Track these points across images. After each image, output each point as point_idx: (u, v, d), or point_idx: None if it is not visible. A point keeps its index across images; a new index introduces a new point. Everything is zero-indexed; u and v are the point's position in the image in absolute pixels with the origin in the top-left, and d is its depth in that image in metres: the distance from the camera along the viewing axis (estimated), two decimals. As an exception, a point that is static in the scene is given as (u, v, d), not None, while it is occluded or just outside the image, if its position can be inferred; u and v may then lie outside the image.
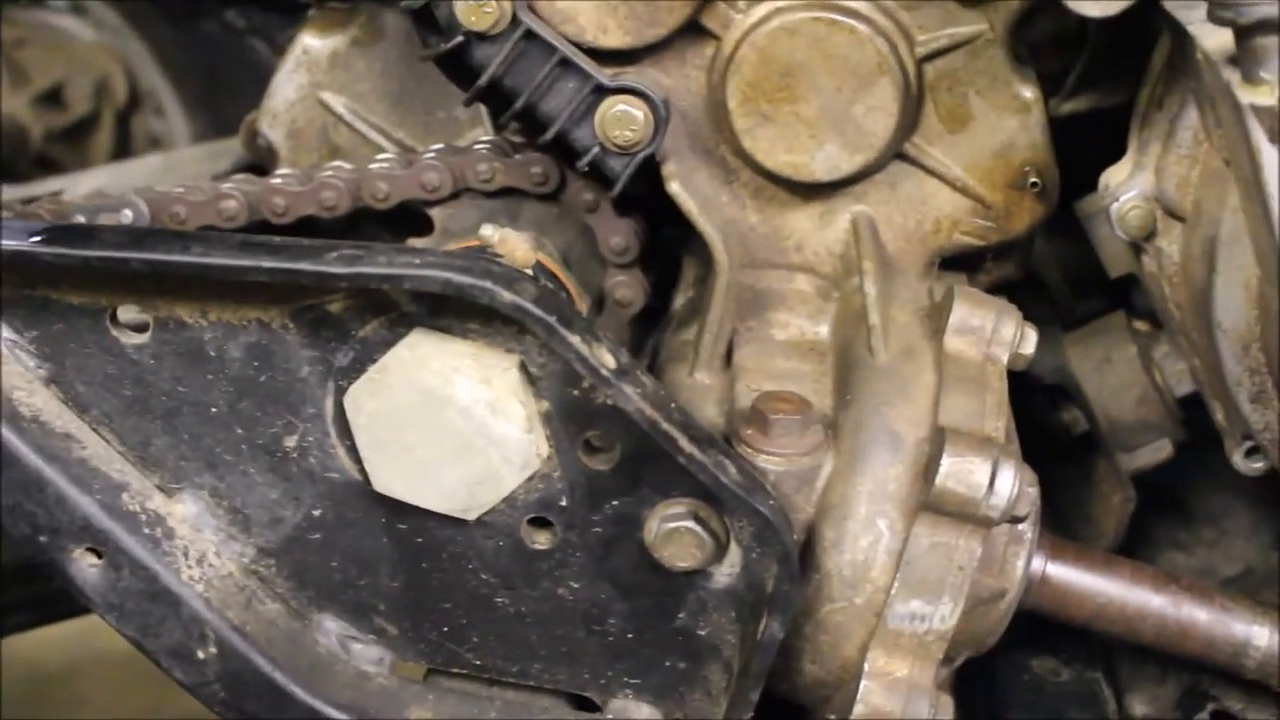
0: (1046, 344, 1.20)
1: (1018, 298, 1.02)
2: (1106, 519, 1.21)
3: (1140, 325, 1.21)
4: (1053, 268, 1.28)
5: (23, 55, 2.27)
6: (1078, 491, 1.24)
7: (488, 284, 0.80)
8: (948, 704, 0.90)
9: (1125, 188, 0.99)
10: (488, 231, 0.90)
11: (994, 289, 1.06)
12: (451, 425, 0.84)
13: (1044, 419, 1.23)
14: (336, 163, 1.07)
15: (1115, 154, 1.02)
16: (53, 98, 2.29)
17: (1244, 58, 0.78)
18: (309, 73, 1.15)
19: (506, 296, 0.79)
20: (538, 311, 0.80)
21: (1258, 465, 1.01)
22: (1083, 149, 1.06)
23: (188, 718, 1.18)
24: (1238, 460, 1.02)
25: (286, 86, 1.15)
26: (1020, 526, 0.94)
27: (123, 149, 2.30)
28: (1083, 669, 1.11)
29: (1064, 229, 1.21)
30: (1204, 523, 1.30)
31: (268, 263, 0.80)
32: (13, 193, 1.51)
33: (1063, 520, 1.24)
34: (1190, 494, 1.30)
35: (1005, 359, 0.94)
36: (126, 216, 1.05)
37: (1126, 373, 1.16)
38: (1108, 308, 1.24)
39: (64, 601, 1.12)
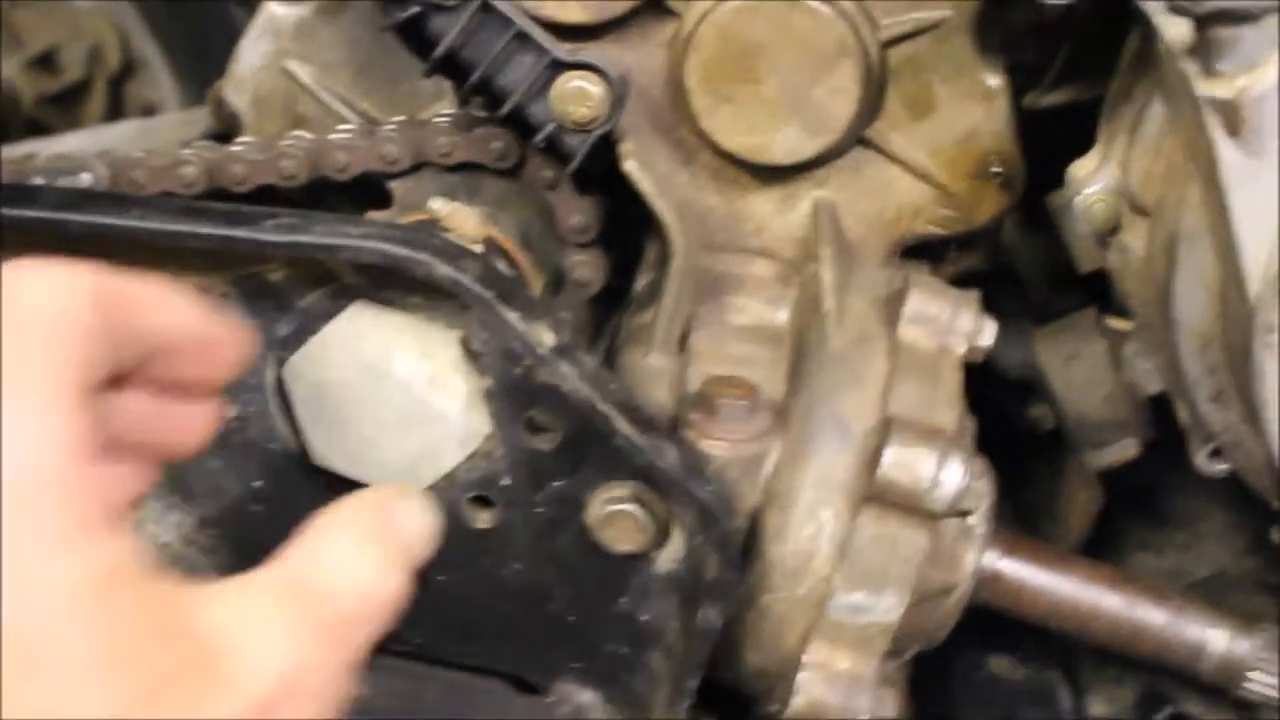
0: (1017, 338, 1.19)
1: (991, 291, 1.00)
2: (1073, 517, 1.20)
3: (1114, 322, 1.19)
4: (1028, 261, 1.27)
5: (16, 18, 2.26)
6: (1045, 488, 1.23)
7: (425, 256, 0.78)
8: (889, 698, 0.89)
9: (1090, 181, 0.97)
10: (436, 205, 0.88)
11: (963, 280, 1.04)
12: (391, 399, 0.83)
13: (1012, 414, 1.22)
14: (297, 132, 1.06)
15: (1094, 148, 1.01)
16: (45, 62, 2.27)
17: (1202, 49, 0.76)
18: (274, 40, 1.13)
19: (443, 270, 0.78)
20: (475, 286, 0.79)
21: (1220, 467, 0.99)
22: (1064, 142, 1.04)
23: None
24: (1201, 461, 1.00)
25: (251, 53, 1.14)
26: (971, 521, 0.93)
27: (115, 115, 2.28)
28: (1040, 667, 1.10)
29: (1041, 222, 1.19)
30: (1177, 525, 1.29)
31: (204, 229, 0.79)
32: (-12, 155, 1.50)
33: (1030, 517, 1.22)
34: (1164, 495, 1.29)
35: (961, 350, 0.92)
36: (86, 179, 1.04)
37: (1094, 369, 1.15)
38: (1084, 303, 1.23)
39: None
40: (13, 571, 0.55)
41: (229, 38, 1.43)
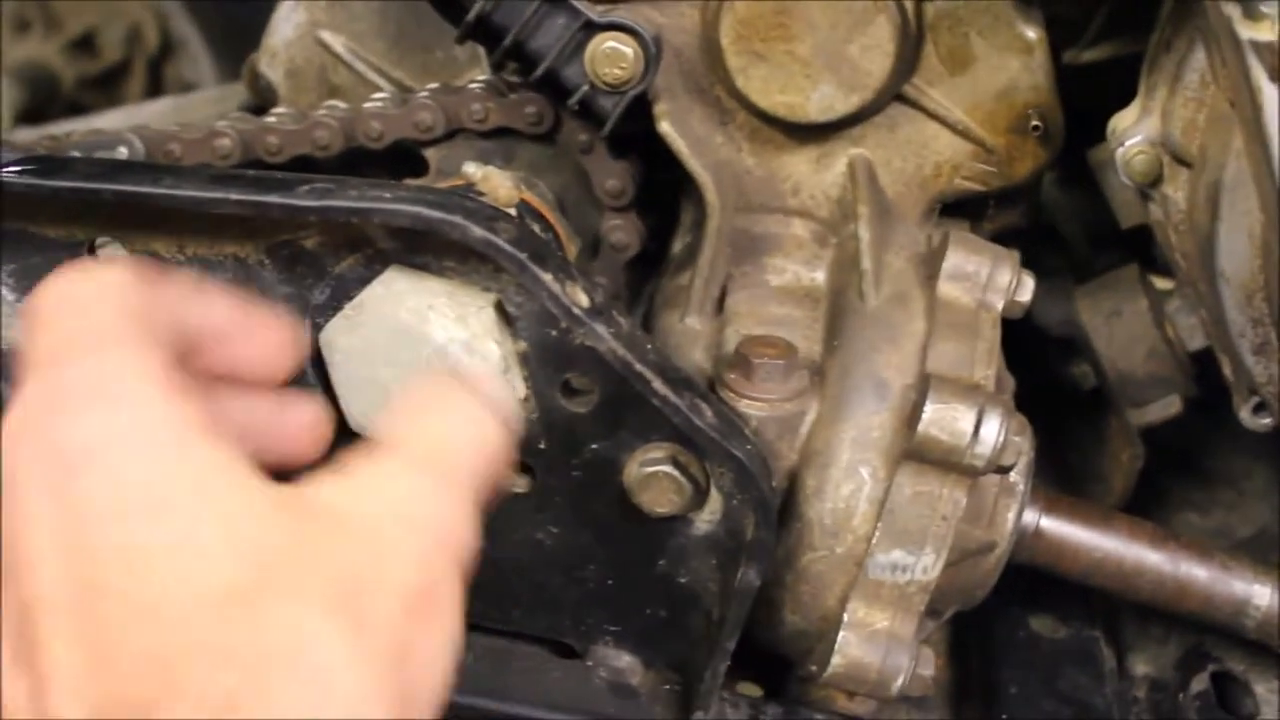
0: (1058, 296, 1.18)
1: (1032, 248, 0.99)
2: (1115, 476, 1.18)
3: (1156, 279, 1.18)
4: (1069, 218, 1.25)
5: (55, 2, 2.27)
6: (1087, 448, 1.22)
7: (459, 219, 0.78)
8: (929, 657, 0.88)
9: (1131, 132, 0.96)
10: (470, 169, 0.88)
11: (1003, 238, 1.03)
12: (427, 364, 0.83)
13: (1054, 373, 1.21)
14: (331, 102, 1.06)
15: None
16: (85, 44, 2.29)
17: (1244, -9, 0.75)
18: (307, 11, 1.14)
19: (477, 232, 0.78)
20: (508, 248, 0.78)
21: (1265, 421, 0.98)
22: (1106, 98, 1.03)
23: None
24: (1245, 416, 0.99)
25: (285, 25, 1.14)
26: (1012, 478, 0.92)
27: (155, 96, 2.30)
28: (1082, 627, 1.08)
29: (1081, 180, 1.18)
30: (1221, 483, 1.27)
31: (236, 195, 0.79)
32: (29, 135, 1.51)
33: (1072, 477, 1.21)
34: (1207, 453, 1.27)
35: (1000, 306, 0.91)
36: (121, 153, 1.04)
37: (1136, 326, 1.13)
38: (1125, 260, 1.21)
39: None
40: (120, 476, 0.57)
41: (266, 15, 1.44)
